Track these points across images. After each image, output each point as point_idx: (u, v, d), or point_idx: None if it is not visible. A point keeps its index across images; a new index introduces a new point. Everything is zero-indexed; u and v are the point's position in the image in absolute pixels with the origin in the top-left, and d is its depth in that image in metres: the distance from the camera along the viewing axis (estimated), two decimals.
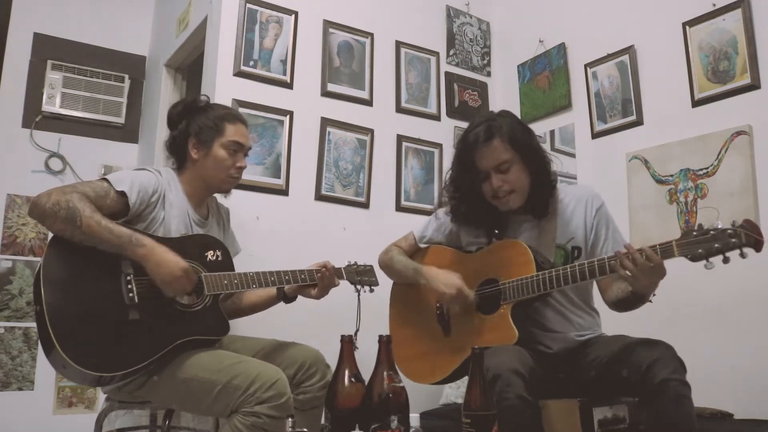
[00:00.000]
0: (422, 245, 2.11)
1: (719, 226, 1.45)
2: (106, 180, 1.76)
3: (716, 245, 1.44)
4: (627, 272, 1.54)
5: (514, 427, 1.50)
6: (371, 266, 2.18)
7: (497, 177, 1.79)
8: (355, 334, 1.99)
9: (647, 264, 1.51)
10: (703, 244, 1.45)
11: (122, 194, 1.75)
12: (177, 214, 1.86)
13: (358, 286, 2.12)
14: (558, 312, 1.84)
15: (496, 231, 1.91)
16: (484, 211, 1.89)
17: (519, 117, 1.92)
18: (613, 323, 1.94)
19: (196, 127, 1.93)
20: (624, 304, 1.75)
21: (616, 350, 1.68)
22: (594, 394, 1.73)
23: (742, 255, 1.41)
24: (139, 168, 1.91)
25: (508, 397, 1.51)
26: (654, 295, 1.65)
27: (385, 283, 2.20)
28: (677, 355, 1.59)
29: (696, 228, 1.48)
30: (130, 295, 1.67)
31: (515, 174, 1.79)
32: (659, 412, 1.52)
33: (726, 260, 1.43)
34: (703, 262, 1.45)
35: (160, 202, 1.83)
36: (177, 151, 1.98)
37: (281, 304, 2.09)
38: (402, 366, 2.03)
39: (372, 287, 2.15)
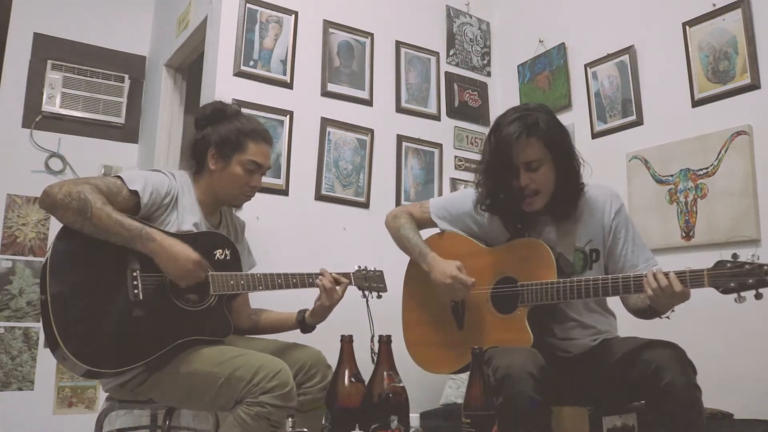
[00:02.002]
0: (436, 220, 2.06)
1: (756, 261, 1.40)
2: (120, 178, 1.75)
3: (750, 281, 1.39)
4: (650, 292, 1.52)
5: (522, 429, 1.49)
6: (381, 272, 2.11)
7: (526, 175, 1.75)
8: (372, 339, 1.90)
9: (670, 289, 1.49)
10: (736, 277, 1.41)
11: (134, 193, 1.74)
12: (189, 219, 1.85)
13: (366, 292, 2.05)
14: (575, 316, 1.82)
15: (519, 226, 1.88)
16: (509, 205, 1.84)
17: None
18: (617, 323, 1.93)
19: (218, 138, 1.90)
20: (641, 314, 1.74)
21: (625, 352, 1.66)
22: (607, 398, 1.72)
23: None
24: (154, 169, 1.90)
25: (518, 397, 1.49)
26: (672, 311, 1.61)
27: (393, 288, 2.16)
28: (686, 356, 1.55)
29: (731, 259, 1.44)
30: (135, 291, 1.67)
31: (543, 174, 1.76)
32: (665, 416, 1.49)
33: (759, 296, 1.39)
34: (734, 295, 1.41)
35: (173, 205, 1.82)
36: (197, 156, 1.94)
37: (284, 301, 2.07)
38: (411, 350, 2.04)
39: (380, 294, 2.08)
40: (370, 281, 2.06)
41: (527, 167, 1.75)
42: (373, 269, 2.10)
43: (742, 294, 1.41)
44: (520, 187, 1.76)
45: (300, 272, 1.93)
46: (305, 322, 1.98)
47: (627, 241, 1.82)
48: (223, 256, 1.85)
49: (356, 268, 2.06)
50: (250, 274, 1.87)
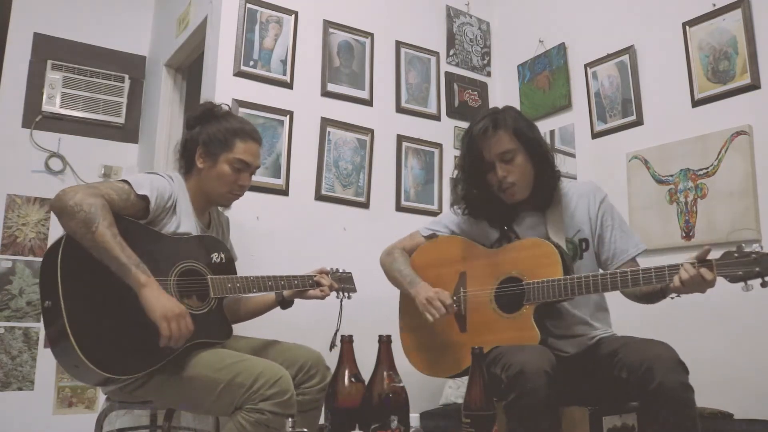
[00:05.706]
0: (428, 234, 2.10)
1: (759, 249, 1.44)
2: (127, 182, 1.75)
3: (757, 269, 1.43)
4: (680, 282, 1.50)
5: (534, 426, 1.49)
6: (350, 273, 2.19)
7: (502, 167, 1.82)
8: (335, 333, 2.04)
9: (700, 277, 1.48)
10: (743, 266, 1.44)
11: (142, 198, 1.73)
12: (185, 221, 1.86)
13: (340, 293, 2.13)
14: (574, 314, 1.83)
15: (506, 227, 1.92)
16: (492, 204, 1.90)
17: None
18: (613, 322, 1.94)
19: (205, 137, 1.91)
20: (649, 297, 1.74)
21: (617, 351, 1.66)
22: (604, 398, 1.72)
23: None
24: (151, 172, 1.90)
25: (532, 394, 1.49)
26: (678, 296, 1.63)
27: (364, 289, 2.21)
28: (677, 356, 1.55)
29: (736, 249, 1.47)
30: None
31: (519, 165, 1.83)
32: (658, 416, 1.49)
33: (765, 284, 1.42)
34: (741, 284, 1.45)
35: (173, 209, 1.83)
36: (186, 155, 1.96)
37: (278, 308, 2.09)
38: (413, 356, 2.04)
39: (350, 294, 2.17)
40: (342, 282, 2.15)
41: (501, 159, 1.82)
42: (342, 270, 2.18)
43: (749, 282, 1.44)
44: (498, 180, 1.83)
45: (287, 275, 1.97)
46: (285, 300, 2.04)
47: (615, 228, 1.87)
48: (219, 260, 1.87)
49: (327, 270, 2.11)
50: (245, 277, 1.88)
